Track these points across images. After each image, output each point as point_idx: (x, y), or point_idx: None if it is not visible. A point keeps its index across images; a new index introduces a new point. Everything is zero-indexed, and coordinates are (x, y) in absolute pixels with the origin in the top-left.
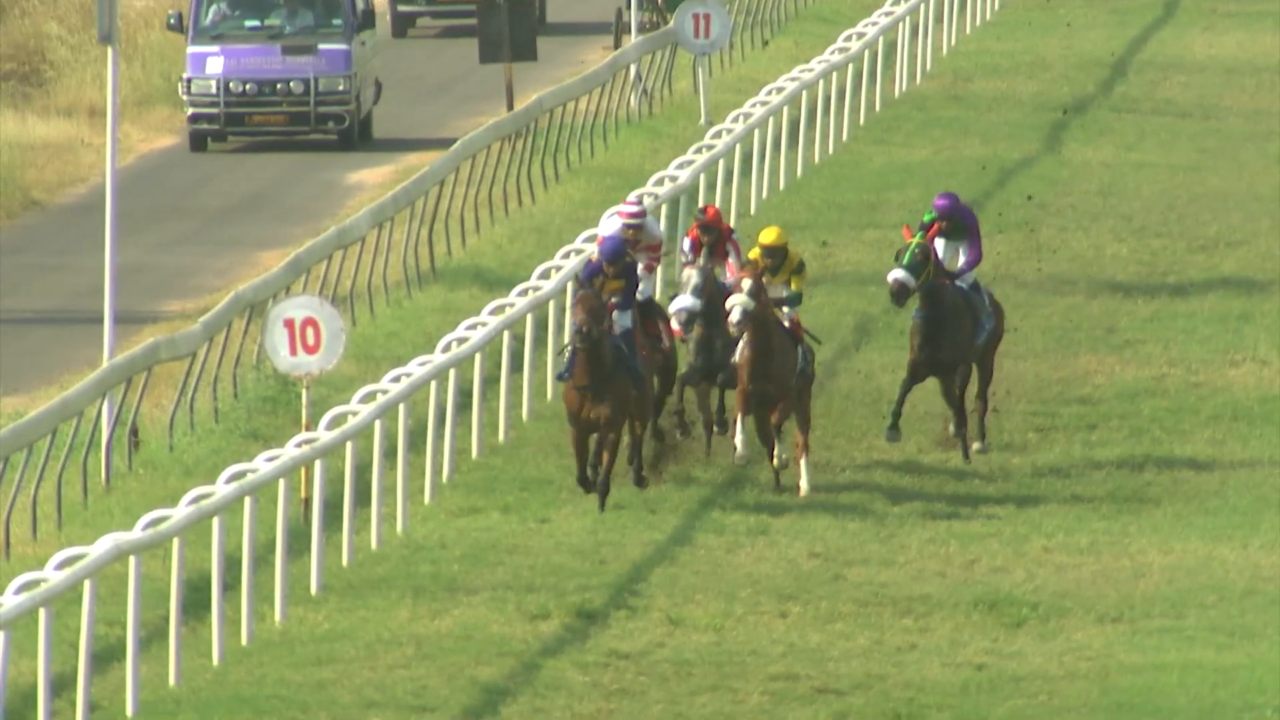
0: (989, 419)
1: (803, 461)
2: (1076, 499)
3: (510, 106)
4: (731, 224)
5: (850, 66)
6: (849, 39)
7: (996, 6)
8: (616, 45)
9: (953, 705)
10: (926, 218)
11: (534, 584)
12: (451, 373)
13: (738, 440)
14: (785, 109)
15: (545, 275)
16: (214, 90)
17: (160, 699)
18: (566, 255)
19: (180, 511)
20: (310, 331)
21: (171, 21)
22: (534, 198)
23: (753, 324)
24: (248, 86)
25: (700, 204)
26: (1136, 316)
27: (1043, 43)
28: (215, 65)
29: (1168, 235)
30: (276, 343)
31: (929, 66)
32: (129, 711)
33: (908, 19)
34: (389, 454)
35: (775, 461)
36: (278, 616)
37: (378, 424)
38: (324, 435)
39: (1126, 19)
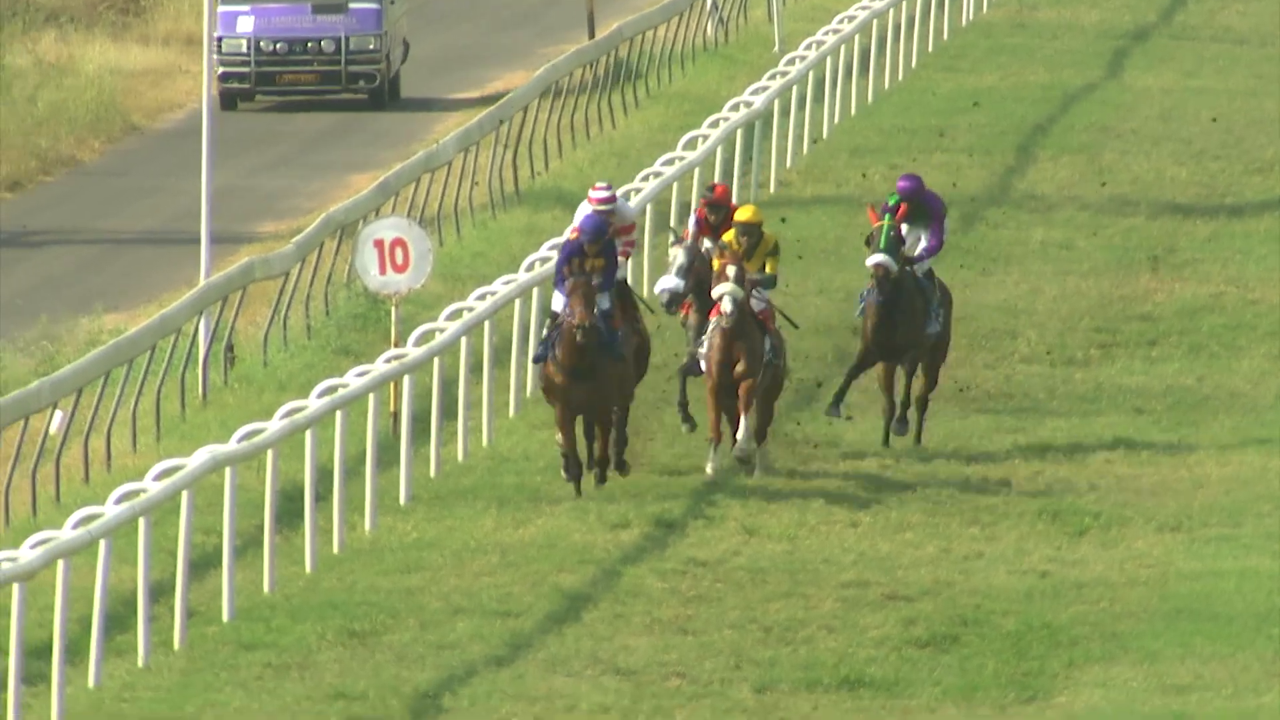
0: (927, 423)
1: (742, 422)
2: (1137, 412)
3: (591, 35)
4: (805, 148)
5: None
6: None
7: None
8: None
9: (1017, 611)
10: (891, 200)
11: (614, 495)
12: (535, 291)
13: (739, 434)
14: (856, 37)
15: (627, 197)
16: (244, 49)
17: (255, 605)
18: (645, 178)
19: (274, 424)
20: (399, 251)
21: None
22: (614, 123)
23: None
24: (278, 45)
25: (773, 129)
26: (1195, 237)
27: None
28: (246, 24)
29: (1225, 158)
30: (366, 262)
31: None
32: (225, 617)
33: None
34: (475, 369)
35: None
36: (368, 526)
37: (464, 340)
38: (412, 351)
39: None
